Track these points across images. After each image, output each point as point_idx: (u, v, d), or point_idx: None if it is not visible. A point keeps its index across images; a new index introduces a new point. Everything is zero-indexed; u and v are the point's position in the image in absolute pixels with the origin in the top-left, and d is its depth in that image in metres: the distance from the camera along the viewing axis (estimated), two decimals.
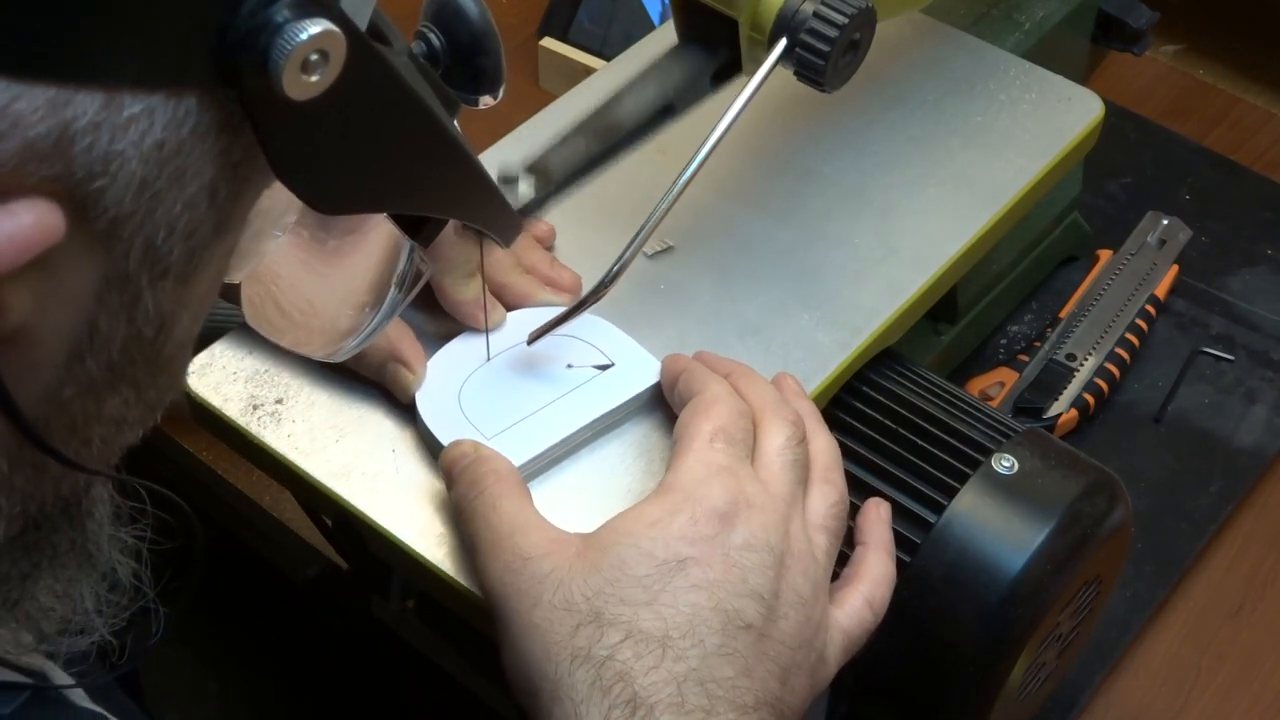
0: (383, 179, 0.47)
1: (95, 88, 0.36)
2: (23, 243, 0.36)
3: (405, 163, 0.48)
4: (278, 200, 0.47)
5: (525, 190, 0.68)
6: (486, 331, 0.72)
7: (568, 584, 0.59)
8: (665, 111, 0.70)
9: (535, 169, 0.68)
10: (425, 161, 0.49)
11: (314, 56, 0.40)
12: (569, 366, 0.71)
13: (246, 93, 0.40)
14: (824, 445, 0.67)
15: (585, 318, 0.71)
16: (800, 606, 0.61)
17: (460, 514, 0.64)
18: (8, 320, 0.38)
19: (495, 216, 0.57)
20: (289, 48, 0.39)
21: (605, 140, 0.69)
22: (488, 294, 0.71)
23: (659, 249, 0.78)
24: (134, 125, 0.37)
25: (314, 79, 0.40)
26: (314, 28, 0.39)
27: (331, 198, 0.46)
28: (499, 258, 0.73)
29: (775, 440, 0.65)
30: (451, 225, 0.65)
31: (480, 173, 0.53)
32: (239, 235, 0.45)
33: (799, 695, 0.61)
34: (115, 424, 0.45)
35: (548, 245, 0.78)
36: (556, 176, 0.68)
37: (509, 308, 0.74)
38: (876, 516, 0.69)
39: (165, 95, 0.38)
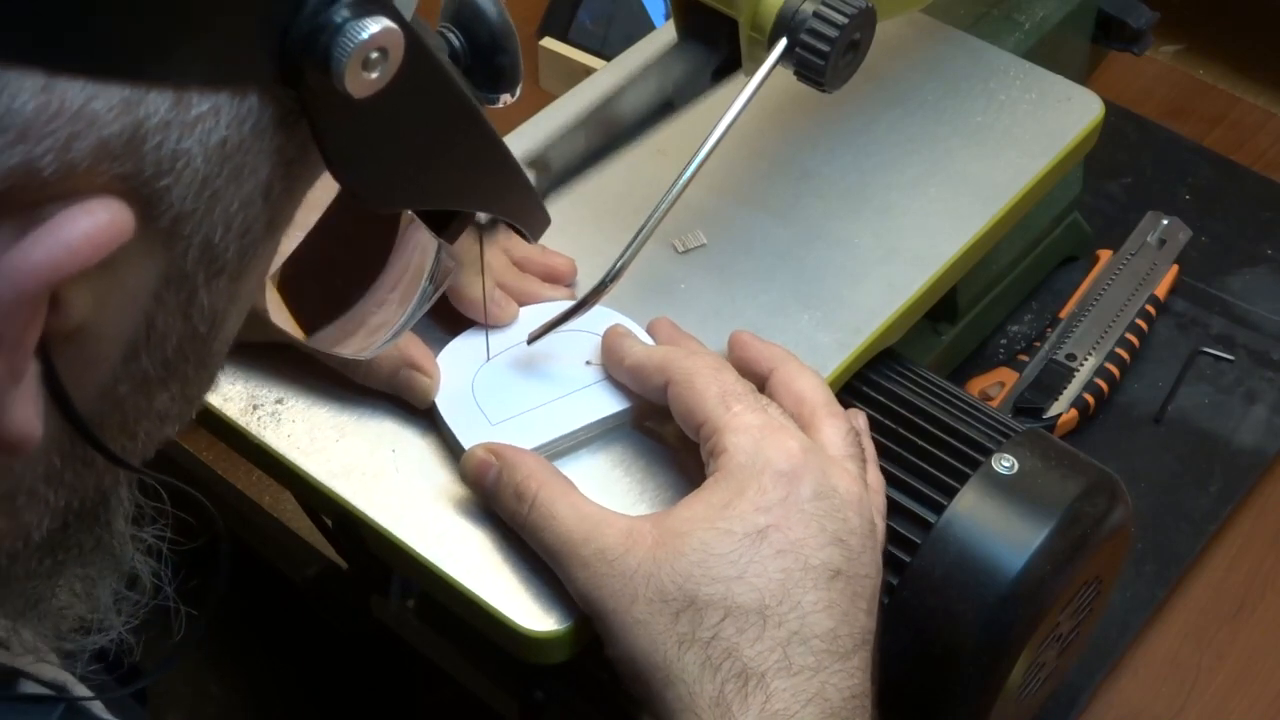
0: (430, 173, 0.48)
1: (167, 87, 0.37)
2: (99, 241, 0.37)
3: (452, 157, 0.49)
4: (308, 197, 0.47)
5: None
6: (486, 330, 0.72)
7: (657, 575, 0.60)
8: (665, 107, 0.70)
9: (535, 162, 0.68)
10: (469, 156, 0.50)
11: (375, 54, 0.40)
12: (587, 363, 0.71)
13: (306, 90, 0.40)
14: (812, 384, 0.68)
15: (607, 315, 0.71)
16: (870, 535, 0.64)
17: (519, 529, 0.64)
18: (69, 319, 0.38)
19: (530, 211, 0.58)
20: (351, 46, 0.39)
21: (605, 134, 0.69)
22: (492, 289, 0.72)
23: (692, 245, 0.78)
24: (200, 124, 0.38)
25: (374, 76, 0.41)
26: (375, 26, 0.40)
27: (381, 193, 0.46)
28: (495, 257, 0.73)
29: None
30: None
31: (517, 168, 0.53)
32: (285, 232, 0.45)
33: (875, 617, 0.64)
34: (160, 419, 0.45)
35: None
36: (556, 169, 0.68)
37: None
38: (860, 429, 0.70)
39: (230, 94, 0.39)
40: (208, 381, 0.47)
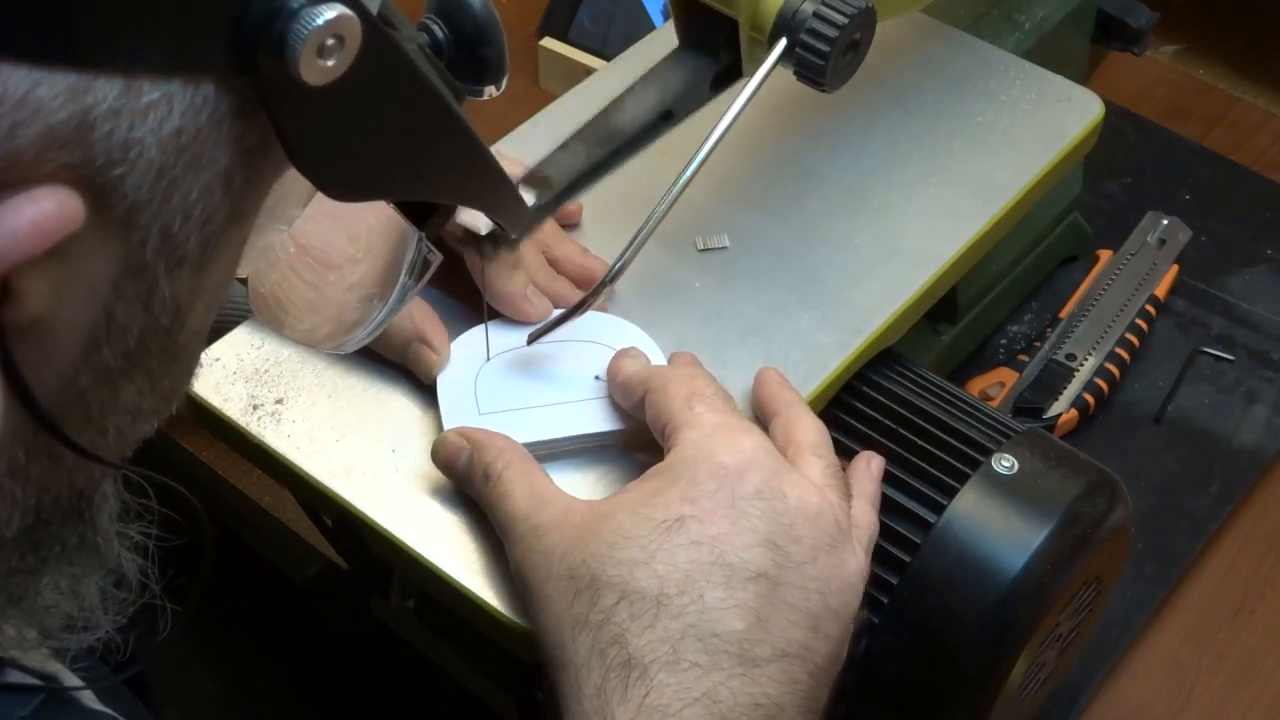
0: (395, 165, 0.48)
1: (115, 74, 0.37)
2: (46, 229, 0.36)
3: (418, 148, 0.48)
4: (283, 193, 0.47)
5: (526, 201, 0.68)
6: (486, 326, 0.72)
7: (570, 553, 0.60)
8: (665, 118, 0.70)
9: (535, 179, 0.68)
10: (437, 147, 0.49)
11: (330, 41, 0.40)
12: (596, 378, 0.71)
13: (263, 78, 0.40)
14: (810, 425, 0.67)
15: (626, 329, 0.71)
16: (831, 550, 0.61)
17: (483, 507, 0.64)
18: (25, 310, 0.38)
19: (505, 204, 0.57)
20: (305, 32, 0.39)
21: (605, 147, 0.69)
22: (526, 284, 0.71)
23: (713, 246, 0.78)
24: (153, 112, 0.38)
25: (330, 64, 0.40)
26: (330, 12, 0.39)
27: (346, 184, 0.46)
28: (531, 254, 0.73)
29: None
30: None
31: (490, 159, 0.53)
32: (253, 224, 0.45)
33: (835, 641, 0.61)
34: (130, 414, 0.45)
35: (575, 224, 0.78)
36: (557, 186, 0.68)
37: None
38: (865, 469, 0.69)
39: (183, 82, 0.38)
40: (181, 376, 0.47)
